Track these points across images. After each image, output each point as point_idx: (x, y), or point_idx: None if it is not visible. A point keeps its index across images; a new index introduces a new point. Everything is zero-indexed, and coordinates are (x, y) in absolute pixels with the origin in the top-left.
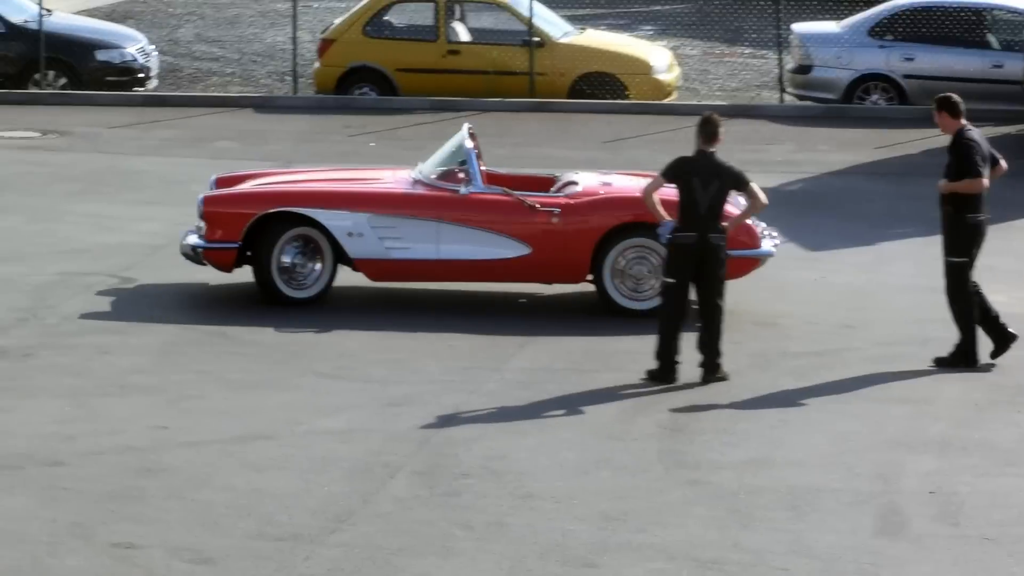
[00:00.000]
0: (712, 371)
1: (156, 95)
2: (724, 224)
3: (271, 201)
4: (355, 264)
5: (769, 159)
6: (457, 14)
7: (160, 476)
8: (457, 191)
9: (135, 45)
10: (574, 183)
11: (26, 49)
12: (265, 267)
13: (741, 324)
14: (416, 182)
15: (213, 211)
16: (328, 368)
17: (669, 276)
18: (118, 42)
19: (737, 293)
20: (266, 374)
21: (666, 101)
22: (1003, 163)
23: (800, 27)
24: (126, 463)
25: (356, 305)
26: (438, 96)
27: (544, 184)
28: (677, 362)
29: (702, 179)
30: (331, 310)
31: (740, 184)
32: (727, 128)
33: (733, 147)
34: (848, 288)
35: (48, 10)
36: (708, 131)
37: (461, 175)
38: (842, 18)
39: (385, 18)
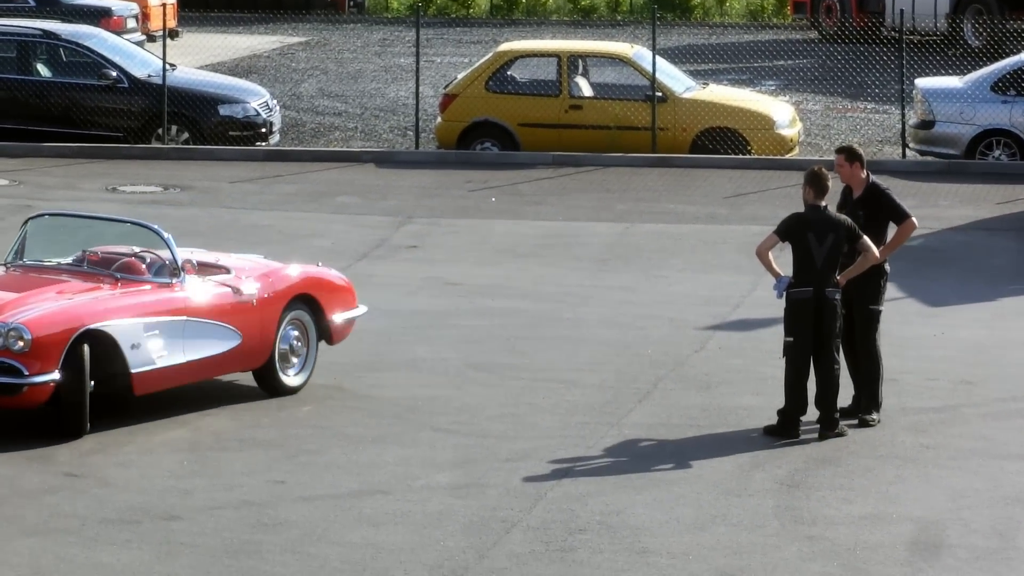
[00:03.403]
0: (830, 427)
1: (278, 150)
2: (838, 278)
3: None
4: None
5: None
6: (580, 69)
7: (277, 530)
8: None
9: (258, 100)
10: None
11: (149, 104)
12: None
13: None
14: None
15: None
16: (445, 423)
17: (789, 335)
18: (241, 97)
19: None
20: (383, 429)
21: (788, 156)
22: None
23: (923, 82)
24: (243, 517)
25: (475, 361)
26: (560, 151)
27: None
28: (799, 419)
29: (817, 234)
30: (449, 365)
31: (854, 237)
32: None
33: None
34: (967, 344)
35: (172, 65)
36: (820, 185)
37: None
38: (965, 73)
39: (508, 73)
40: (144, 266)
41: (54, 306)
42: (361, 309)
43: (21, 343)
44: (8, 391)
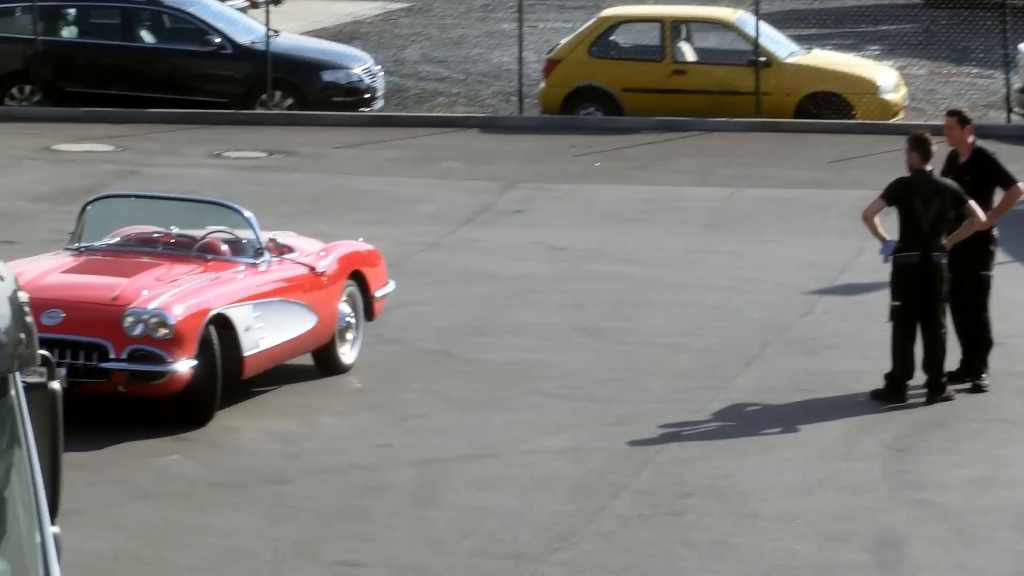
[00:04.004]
0: (937, 391)
1: (382, 115)
2: (944, 243)
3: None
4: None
5: None
6: (683, 34)
7: (384, 494)
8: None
9: (361, 66)
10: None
11: (253, 70)
12: None
13: None
14: None
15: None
16: (552, 387)
17: (896, 299)
18: (344, 63)
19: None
20: (491, 393)
21: (892, 121)
22: None
23: None
24: (351, 481)
25: (582, 326)
26: (663, 116)
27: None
28: (907, 383)
29: (923, 198)
30: (556, 330)
31: (960, 201)
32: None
33: None
34: None
35: (275, 31)
36: (926, 150)
37: None
38: None
39: (611, 38)
40: (227, 247)
41: (181, 291)
42: (392, 285)
43: (164, 330)
44: (149, 379)
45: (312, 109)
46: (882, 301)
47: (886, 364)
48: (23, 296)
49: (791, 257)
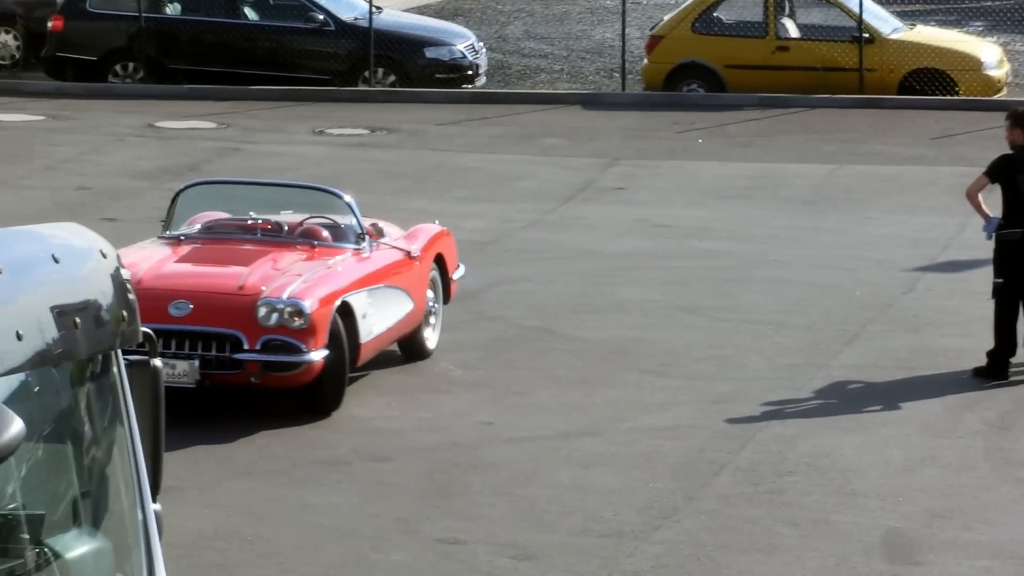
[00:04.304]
0: None
1: (484, 92)
2: None
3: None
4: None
5: None
6: (786, 10)
7: (485, 472)
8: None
9: (464, 42)
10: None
11: (356, 47)
12: None
13: None
14: None
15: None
16: (653, 365)
17: (998, 276)
18: (447, 39)
19: None
20: (592, 371)
21: (996, 97)
22: None
23: None
24: (451, 459)
25: (683, 303)
26: (766, 92)
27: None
28: (1009, 360)
29: None
30: (657, 307)
31: None
32: None
33: None
34: None
35: (378, 8)
36: None
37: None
38: None
39: (714, 14)
40: (327, 233)
41: (309, 279)
42: (463, 269)
43: (300, 320)
44: (284, 369)
45: (415, 86)
46: (984, 278)
47: (988, 342)
48: (125, 273)
49: (893, 234)
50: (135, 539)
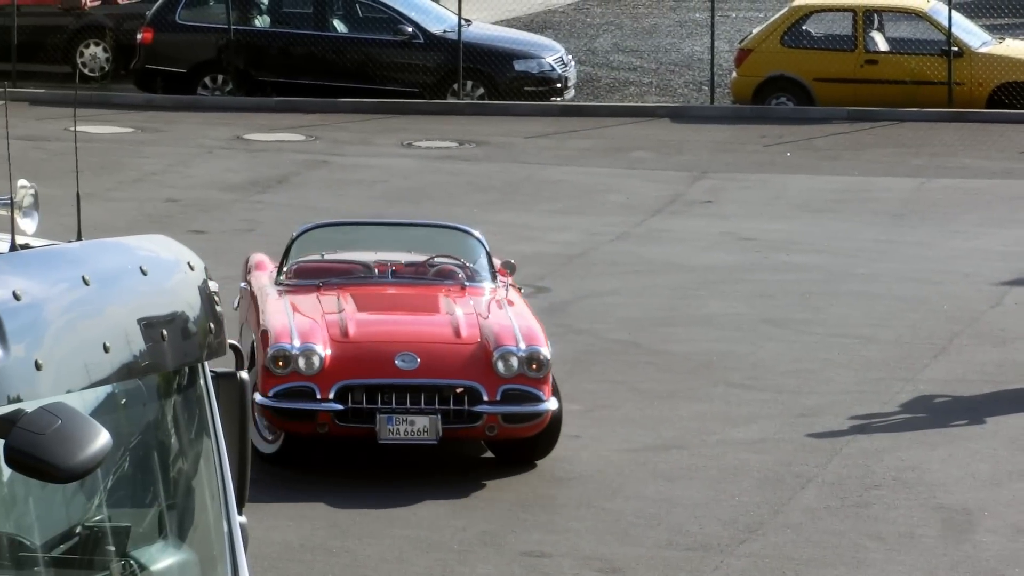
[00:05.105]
0: None
1: (573, 105)
2: None
3: None
4: None
5: None
6: (875, 24)
7: (571, 485)
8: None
9: (553, 55)
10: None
11: (444, 59)
12: None
13: None
14: None
15: None
16: (740, 378)
17: None
18: (536, 52)
19: None
20: (678, 384)
21: None
22: None
23: None
24: (538, 472)
25: (769, 316)
26: (855, 106)
27: None
28: None
29: None
30: (743, 320)
31: None
32: None
33: None
34: None
35: (467, 20)
36: None
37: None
38: None
39: (803, 28)
40: (464, 272)
41: (519, 324)
42: None
43: (539, 367)
44: (524, 420)
45: (503, 99)
46: None
47: None
48: (213, 286)
49: (981, 248)
50: (220, 551)
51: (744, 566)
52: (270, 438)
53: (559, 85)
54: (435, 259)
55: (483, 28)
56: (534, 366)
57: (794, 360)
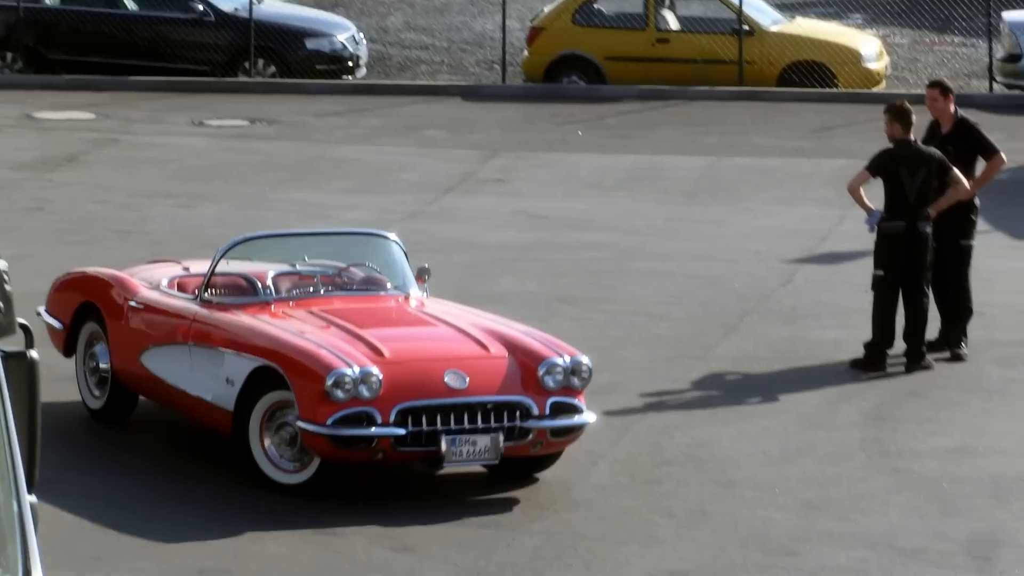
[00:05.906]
0: (917, 360)
1: (365, 83)
2: (930, 211)
3: None
4: None
5: None
6: (666, 2)
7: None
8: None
9: (344, 33)
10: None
11: (236, 37)
12: None
13: None
14: None
15: None
16: None
17: (879, 268)
18: (328, 30)
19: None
20: None
21: (875, 90)
22: None
23: (1010, 15)
24: None
25: (562, 295)
26: (647, 84)
27: None
28: (886, 351)
29: (909, 168)
30: (536, 299)
31: (945, 170)
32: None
33: None
34: None
35: None
36: (907, 119)
37: None
38: None
39: (595, 6)
40: (387, 281)
41: (526, 331)
42: None
43: (581, 378)
44: (570, 433)
45: (295, 77)
46: (862, 270)
47: (866, 333)
48: (2, 264)
49: (772, 226)
50: (11, 531)
51: (536, 543)
52: (290, 468)
53: (351, 63)
54: (351, 268)
55: (275, 6)
56: (577, 377)
57: (586, 338)
